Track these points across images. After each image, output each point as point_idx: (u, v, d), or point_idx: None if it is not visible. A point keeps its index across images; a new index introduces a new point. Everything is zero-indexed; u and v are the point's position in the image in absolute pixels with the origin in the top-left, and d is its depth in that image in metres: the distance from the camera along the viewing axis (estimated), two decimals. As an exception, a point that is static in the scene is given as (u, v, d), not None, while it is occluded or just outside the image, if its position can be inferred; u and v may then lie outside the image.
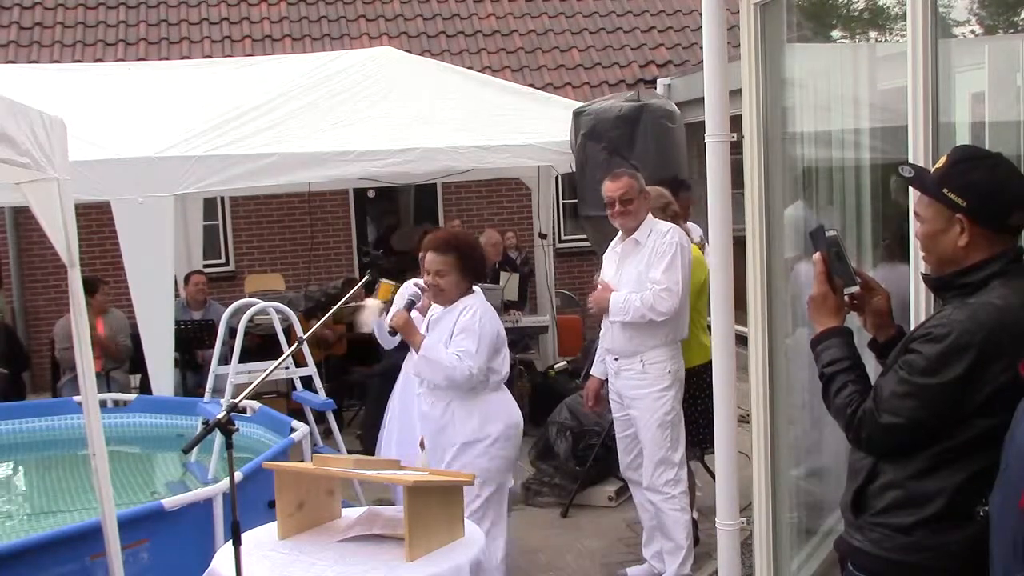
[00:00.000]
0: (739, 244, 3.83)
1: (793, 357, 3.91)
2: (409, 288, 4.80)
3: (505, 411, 4.34)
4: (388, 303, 5.20)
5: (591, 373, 5.26)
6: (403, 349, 5.06)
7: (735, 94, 3.73)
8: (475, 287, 4.38)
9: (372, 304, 5.33)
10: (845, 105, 4.32)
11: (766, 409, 3.76)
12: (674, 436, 4.82)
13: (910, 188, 2.69)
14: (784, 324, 3.86)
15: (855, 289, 2.54)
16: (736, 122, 3.75)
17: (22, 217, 10.91)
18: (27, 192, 3.26)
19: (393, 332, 4.51)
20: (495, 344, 4.24)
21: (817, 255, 2.54)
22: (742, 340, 3.80)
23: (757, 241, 3.73)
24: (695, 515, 5.21)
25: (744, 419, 4.20)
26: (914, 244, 2.89)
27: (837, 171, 4.18)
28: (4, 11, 11.83)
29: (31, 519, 5.42)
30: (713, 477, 5.02)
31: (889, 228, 3.88)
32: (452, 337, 4.20)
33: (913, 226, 2.62)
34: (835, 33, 5.36)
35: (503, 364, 4.35)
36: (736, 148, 3.77)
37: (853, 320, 2.62)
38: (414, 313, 4.50)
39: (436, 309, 4.38)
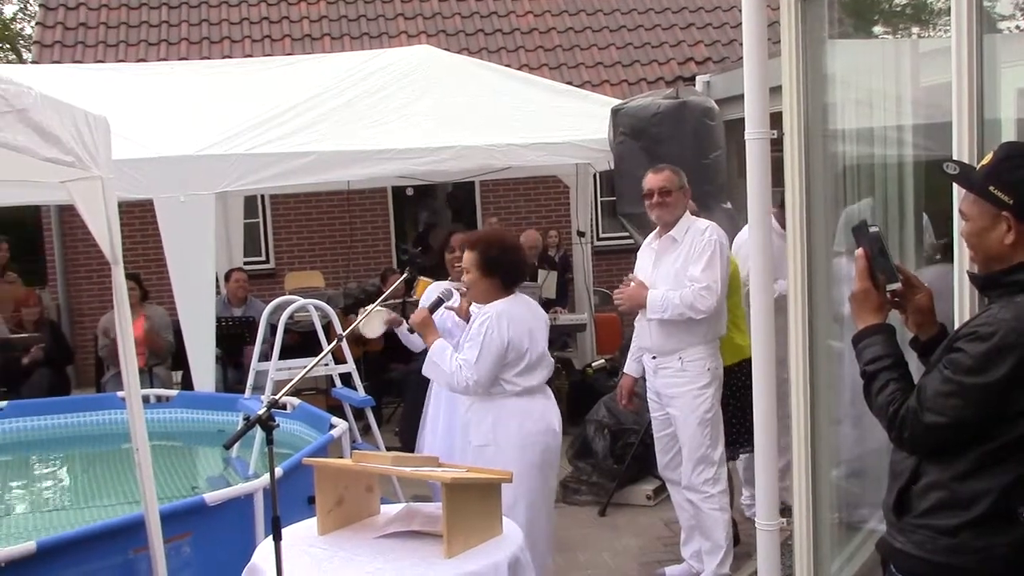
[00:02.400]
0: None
1: (835, 356, 3.87)
2: (439, 287, 4.76)
3: (522, 417, 4.16)
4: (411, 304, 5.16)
5: (624, 371, 5.24)
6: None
7: (775, 91, 3.70)
8: (520, 293, 4.31)
9: (377, 312, 5.15)
10: (888, 101, 4.27)
11: (807, 409, 3.72)
12: (713, 435, 4.79)
13: (954, 185, 2.66)
14: (825, 324, 3.82)
15: (897, 286, 2.51)
16: (776, 119, 3.72)
17: (67, 215, 11.08)
18: (72, 190, 3.30)
19: (412, 330, 4.41)
20: (502, 355, 4.08)
21: (860, 251, 2.51)
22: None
23: (798, 239, 3.70)
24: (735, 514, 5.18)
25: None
26: (959, 242, 2.85)
27: (879, 168, 4.14)
28: (49, 12, 12.01)
29: (75, 512, 5.50)
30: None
31: (937, 227, 3.83)
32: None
33: (958, 224, 2.58)
34: (877, 29, 5.32)
35: (524, 377, 4.16)
36: (776, 145, 3.74)
37: (895, 318, 2.60)
38: (445, 313, 4.48)
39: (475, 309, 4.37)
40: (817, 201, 3.73)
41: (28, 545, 3.50)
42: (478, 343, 4.08)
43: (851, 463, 4.25)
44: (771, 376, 3.81)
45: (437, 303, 4.41)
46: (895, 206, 4.08)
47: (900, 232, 3.99)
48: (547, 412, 4.28)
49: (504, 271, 4.23)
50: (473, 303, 4.41)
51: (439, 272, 5.97)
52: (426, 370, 4.28)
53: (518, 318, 4.17)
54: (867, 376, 2.44)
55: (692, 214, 4.95)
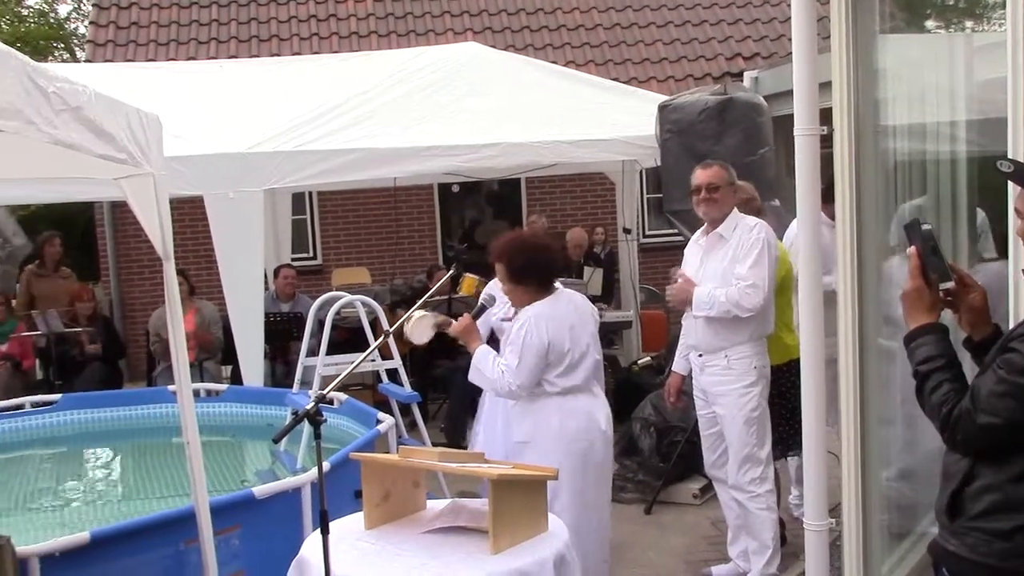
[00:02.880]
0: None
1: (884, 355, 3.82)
2: (486, 293, 4.76)
3: (563, 415, 4.15)
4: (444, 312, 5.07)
5: (672, 369, 5.22)
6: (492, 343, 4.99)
7: (824, 86, 3.66)
8: (563, 290, 4.30)
9: (421, 317, 4.88)
10: (940, 97, 4.21)
11: (856, 409, 3.68)
12: (760, 433, 4.75)
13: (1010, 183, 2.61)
14: (875, 322, 3.78)
15: (950, 285, 2.47)
16: (826, 115, 3.68)
17: (119, 212, 11.26)
18: (124, 187, 3.36)
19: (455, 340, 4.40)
20: (543, 358, 4.08)
21: (912, 249, 2.47)
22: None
23: (848, 237, 3.66)
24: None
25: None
26: (1014, 241, 2.80)
27: (932, 165, 4.08)
28: (102, 11, 12.21)
29: (127, 504, 5.59)
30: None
31: (992, 225, 3.76)
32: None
33: (1013, 223, 2.54)
34: (930, 23, 5.23)
35: (565, 377, 4.15)
36: (826, 142, 3.70)
37: (948, 317, 2.56)
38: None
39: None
40: (868, 198, 3.69)
41: (82, 535, 3.56)
42: (518, 347, 4.08)
43: (902, 464, 4.20)
44: (820, 374, 3.77)
45: (480, 309, 4.41)
46: (948, 203, 4.02)
47: (953, 230, 3.94)
48: (592, 410, 4.25)
49: (534, 275, 4.21)
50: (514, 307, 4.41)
51: (487, 269, 5.97)
52: (472, 376, 4.30)
53: (558, 317, 4.15)
54: (920, 376, 2.40)
55: (758, 209, 4.91)
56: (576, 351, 4.17)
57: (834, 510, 3.90)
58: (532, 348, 4.06)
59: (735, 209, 4.78)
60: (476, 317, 4.34)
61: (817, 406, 3.79)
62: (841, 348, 3.71)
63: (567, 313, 4.20)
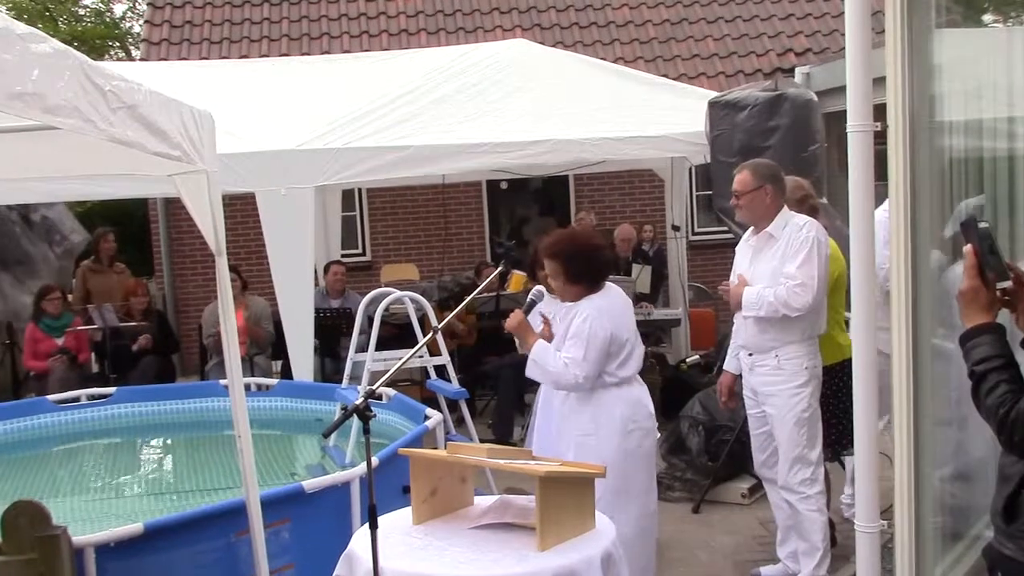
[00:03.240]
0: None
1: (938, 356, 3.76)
2: (536, 289, 4.79)
3: (622, 405, 4.24)
4: None
5: (724, 368, 5.17)
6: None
7: (878, 82, 3.61)
8: (607, 283, 4.34)
9: None
10: (998, 92, 4.12)
11: (909, 410, 3.62)
12: (811, 434, 4.69)
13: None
14: (929, 323, 3.71)
15: (1008, 284, 2.42)
16: (879, 111, 3.63)
17: (173, 208, 11.43)
18: (178, 183, 3.41)
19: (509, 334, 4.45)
20: (606, 349, 4.16)
21: (968, 248, 2.43)
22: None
23: (902, 235, 3.60)
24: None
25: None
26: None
27: (989, 161, 3.99)
28: (157, 11, 12.40)
29: (180, 496, 5.67)
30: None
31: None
32: (564, 341, 4.22)
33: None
34: (987, 17, 5.13)
35: (622, 367, 4.25)
36: (879, 138, 3.65)
37: (1004, 317, 2.51)
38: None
39: (560, 308, 4.38)
40: (923, 196, 3.62)
41: (136, 526, 3.62)
42: (583, 339, 4.13)
43: (956, 465, 4.13)
44: (872, 374, 3.72)
45: (530, 305, 4.44)
46: (1005, 201, 3.93)
47: (1011, 228, 3.85)
48: (643, 398, 4.37)
49: (588, 274, 4.28)
50: (559, 300, 4.43)
51: (532, 267, 5.97)
52: (529, 371, 4.33)
53: (615, 309, 4.25)
54: (976, 377, 2.36)
55: (813, 207, 4.87)
56: (631, 342, 4.28)
57: (886, 512, 3.85)
58: (597, 340, 4.13)
59: (785, 207, 4.73)
60: (527, 313, 4.38)
61: (869, 406, 3.74)
62: (895, 348, 3.65)
63: (620, 305, 4.32)
